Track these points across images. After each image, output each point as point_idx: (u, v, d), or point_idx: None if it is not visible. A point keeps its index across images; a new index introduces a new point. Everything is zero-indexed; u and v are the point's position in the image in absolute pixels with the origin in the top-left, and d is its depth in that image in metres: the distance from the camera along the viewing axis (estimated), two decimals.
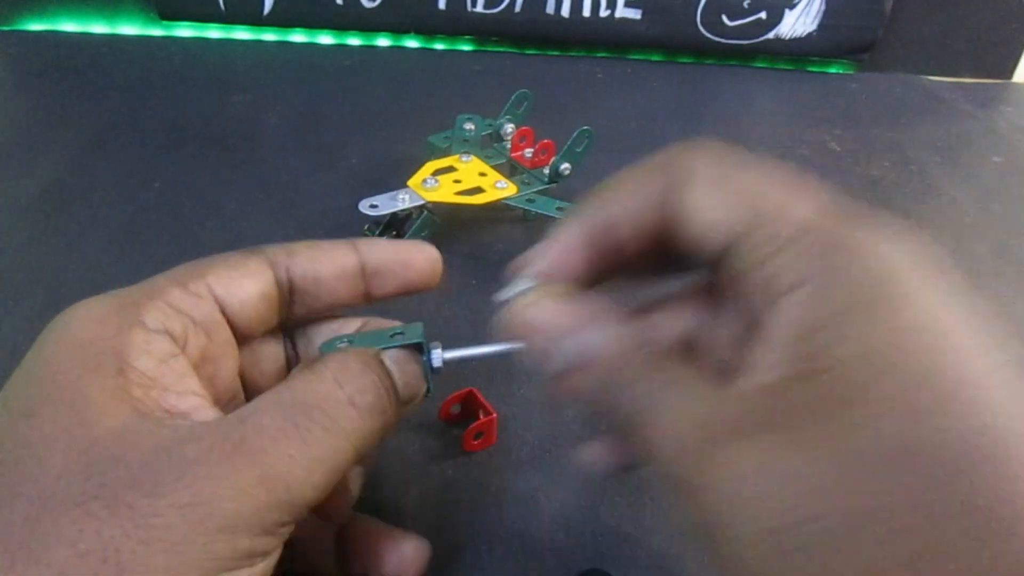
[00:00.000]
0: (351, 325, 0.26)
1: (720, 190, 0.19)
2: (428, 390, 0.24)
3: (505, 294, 0.21)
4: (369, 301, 0.25)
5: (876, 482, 0.15)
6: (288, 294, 0.24)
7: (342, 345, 0.23)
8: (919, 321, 0.16)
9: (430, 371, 0.24)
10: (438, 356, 0.23)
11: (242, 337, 0.23)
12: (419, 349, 0.23)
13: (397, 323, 0.25)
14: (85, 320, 0.20)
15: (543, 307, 0.20)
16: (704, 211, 0.19)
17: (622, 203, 0.21)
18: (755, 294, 0.18)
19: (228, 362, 0.23)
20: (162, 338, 0.20)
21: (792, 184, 0.20)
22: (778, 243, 0.18)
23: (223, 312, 0.22)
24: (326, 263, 0.24)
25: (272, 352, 0.25)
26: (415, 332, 0.24)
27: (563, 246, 0.21)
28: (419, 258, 0.25)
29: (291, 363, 0.26)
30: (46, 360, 0.19)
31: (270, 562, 0.18)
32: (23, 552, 0.16)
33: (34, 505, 0.16)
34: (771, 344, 0.17)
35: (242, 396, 0.24)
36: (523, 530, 0.28)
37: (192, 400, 0.20)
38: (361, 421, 0.20)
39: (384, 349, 0.22)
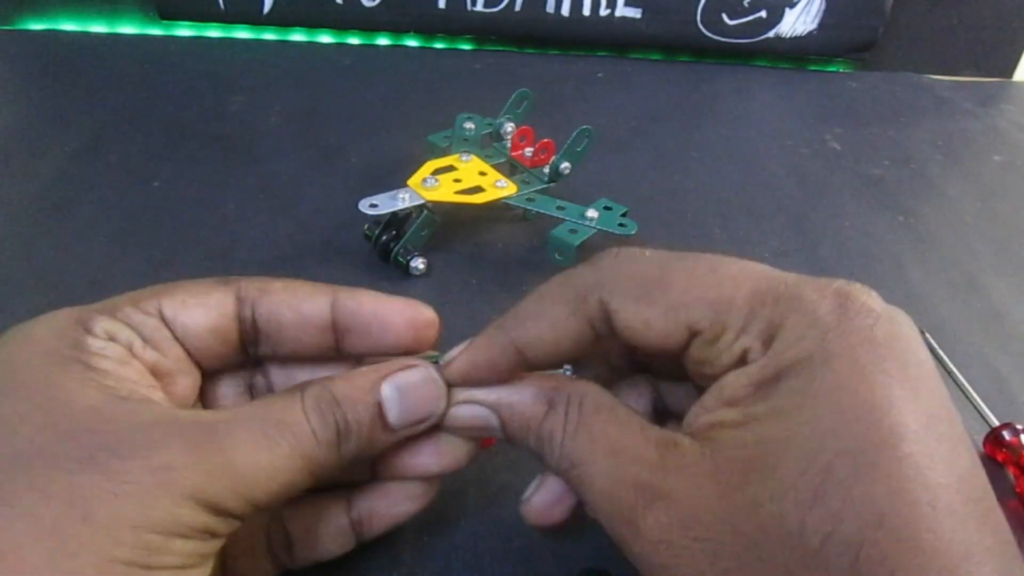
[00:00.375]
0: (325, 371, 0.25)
1: (650, 308, 0.20)
2: None
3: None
4: (343, 355, 0.24)
5: (766, 562, 0.16)
6: (253, 332, 0.24)
7: None
8: (837, 405, 0.17)
9: None
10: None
11: (200, 361, 0.23)
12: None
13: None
14: (44, 333, 0.21)
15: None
16: (644, 333, 0.20)
17: (538, 331, 0.21)
18: (708, 377, 0.20)
19: (185, 380, 0.23)
20: (113, 346, 0.21)
21: (715, 269, 0.20)
22: (729, 337, 0.19)
23: (173, 333, 0.23)
24: (292, 310, 0.23)
25: (237, 381, 0.25)
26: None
27: (471, 363, 0.22)
28: (399, 321, 0.23)
29: (259, 394, 0.26)
30: (10, 363, 0.20)
31: (217, 544, 0.19)
32: None
33: (4, 463, 0.17)
34: (703, 405, 0.19)
35: None
36: (523, 530, 0.28)
37: (157, 395, 0.21)
38: (318, 451, 0.21)
39: (387, 377, 0.22)
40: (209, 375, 0.24)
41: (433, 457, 0.24)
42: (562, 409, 0.21)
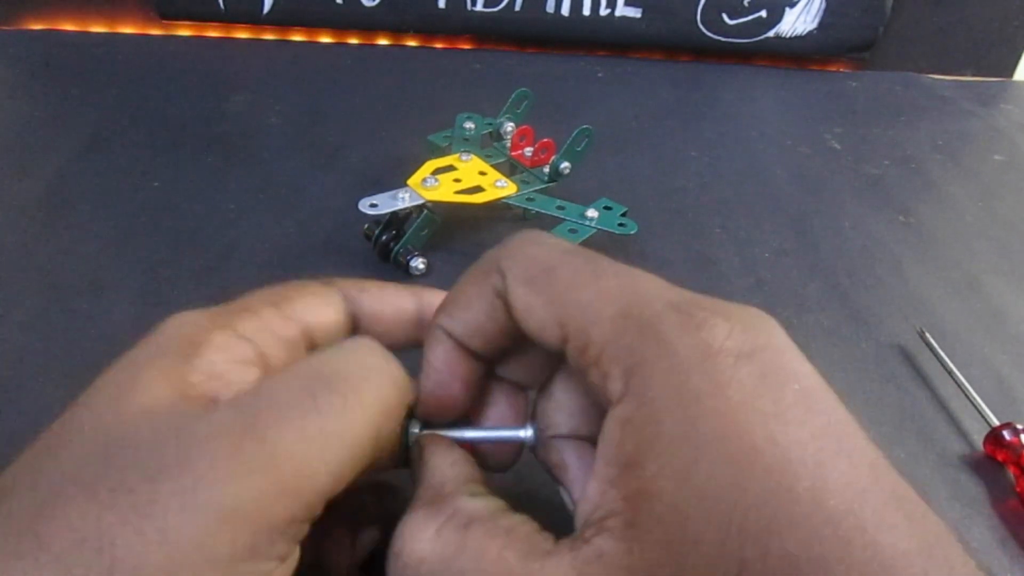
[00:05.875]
0: None
1: (535, 295, 0.19)
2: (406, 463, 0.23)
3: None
4: (419, 347, 0.24)
5: None
6: (353, 328, 0.25)
7: None
8: (726, 454, 0.16)
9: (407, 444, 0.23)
10: (413, 434, 0.23)
11: None
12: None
13: None
14: (180, 321, 0.21)
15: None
16: (525, 318, 0.20)
17: (464, 317, 0.21)
18: (589, 395, 0.20)
19: None
20: (246, 345, 0.20)
21: (599, 276, 0.19)
22: (592, 354, 0.18)
23: (306, 337, 0.23)
24: (389, 305, 0.25)
25: None
26: None
27: (435, 381, 0.22)
28: None
29: None
30: (131, 353, 0.20)
31: (280, 572, 0.17)
32: (28, 536, 0.16)
33: (53, 489, 0.16)
34: (598, 486, 0.18)
35: None
36: None
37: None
38: (381, 391, 0.19)
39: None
40: None
41: None
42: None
